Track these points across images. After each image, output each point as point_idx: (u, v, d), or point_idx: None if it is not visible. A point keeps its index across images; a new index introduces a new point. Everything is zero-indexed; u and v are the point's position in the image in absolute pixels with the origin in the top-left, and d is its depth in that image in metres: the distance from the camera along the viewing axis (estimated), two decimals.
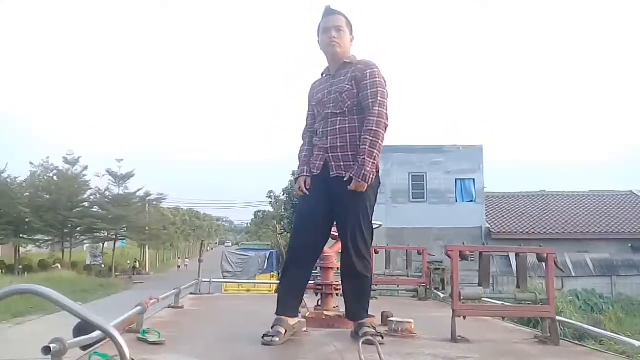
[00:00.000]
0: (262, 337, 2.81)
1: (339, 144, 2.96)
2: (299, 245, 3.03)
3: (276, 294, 3.10)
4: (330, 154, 2.97)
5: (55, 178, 36.43)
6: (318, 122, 3.10)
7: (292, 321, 2.94)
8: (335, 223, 3.08)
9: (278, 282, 3.17)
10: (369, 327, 2.95)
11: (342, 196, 2.92)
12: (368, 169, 2.88)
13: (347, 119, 2.97)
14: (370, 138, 2.89)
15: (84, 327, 3.21)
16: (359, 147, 2.91)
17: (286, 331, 2.86)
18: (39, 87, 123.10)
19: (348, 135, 2.96)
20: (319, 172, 3.01)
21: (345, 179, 2.90)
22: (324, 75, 3.20)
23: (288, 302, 2.97)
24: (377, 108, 2.91)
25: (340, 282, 3.18)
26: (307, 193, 3.02)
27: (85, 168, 37.19)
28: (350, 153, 2.94)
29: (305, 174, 3.06)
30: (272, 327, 2.86)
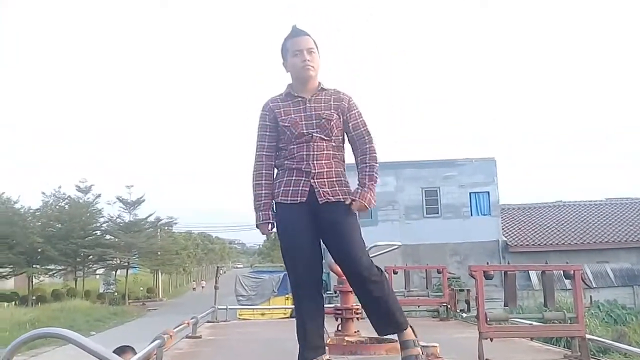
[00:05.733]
0: None
1: (325, 170, 2.86)
2: (304, 280, 2.85)
3: (293, 319, 2.99)
4: (316, 180, 2.84)
5: (67, 207, 36.70)
6: (292, 144, 2.88)
7: (324, 358, 2.84)
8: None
9: (294, 309, 3.01)
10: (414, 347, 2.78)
11: (334, 220, 2.83)
12: (373, 194, 2.87)
13: (332, 145, 2.91)
14: (375, 164, 2.91)
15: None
16: (341, 174, 2.90)
17: None
18: (47, 116, 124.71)
19: (333, 161, 2.89)
20: (304, 199, 2.83)
21: (347, 202, 2.82)
22: (290, 95, 2.97)
23: (313, 342, 2.83)
24: (371, 137, 2.97)
25: (360, 305, 3.03)
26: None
27: (98, 196, 37.50)
28: (335, 179, 2.87)
29: (270, 220, 2.88)
30: None
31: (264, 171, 2.91)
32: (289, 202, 2.83)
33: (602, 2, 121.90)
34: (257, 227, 2.93)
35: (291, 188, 2.84)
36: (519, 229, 23.71)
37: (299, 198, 2.83)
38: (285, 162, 2.88)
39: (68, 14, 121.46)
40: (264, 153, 2.93)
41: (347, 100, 2.98)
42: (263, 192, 2.89)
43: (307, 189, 2.82)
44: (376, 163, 2.91)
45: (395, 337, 3.00)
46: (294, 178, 2.85)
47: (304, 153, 2.85)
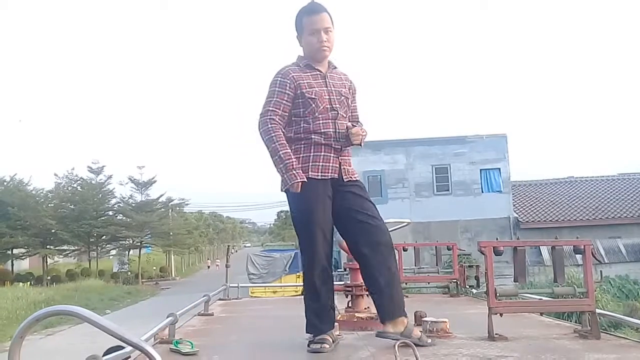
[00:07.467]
0: (308, 346, 2.78)
1: (347, 148, 2.94)
2: (321, 255, 2.84)
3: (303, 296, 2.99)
4: (342, 157, 2.90)
5: (79, 188, 37.02)
6: (318, 119, 2.84)
7: (334, 333, 2.89)
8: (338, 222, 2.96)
9: (304, 285, 2.99)
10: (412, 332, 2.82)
11: (359, 195, 2.90)
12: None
13: (347, 123, 2.98)
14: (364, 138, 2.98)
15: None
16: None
17: (333, 341, 2.83)
18: (60, 98, 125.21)
19: None
20: (336, 175, 2.86)
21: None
22: (310, 67, 2.93)
23: (324, 316, 2.86)
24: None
25: (368, 279, 2.91)
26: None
27: (110, 177, 37.79)
28: (350, 158, 2.97)
29: (303, 178, 2.77)
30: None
31: (281, 132, 2.82)
32: (319, 177, 2.81)
33: None
34: (289, 186, 2.76)
35: (321, 163, 2.83)
36: (531, 205, 23.62)
37: (329, 174, 2.84)
38: (313, 136, 2.84)
39: None
40: (278, 118, 2.82)
41: (353, 84, 3.05)
42: (288, 151, 2.78)
43: (337, 165, 2.86)
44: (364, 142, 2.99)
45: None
46: (323, 154, 2.84)
47: (331, 130, 2.85)
